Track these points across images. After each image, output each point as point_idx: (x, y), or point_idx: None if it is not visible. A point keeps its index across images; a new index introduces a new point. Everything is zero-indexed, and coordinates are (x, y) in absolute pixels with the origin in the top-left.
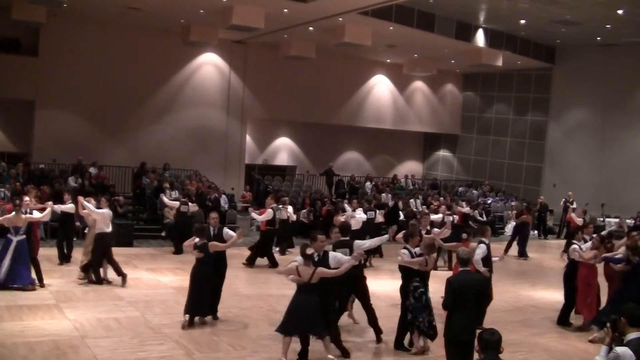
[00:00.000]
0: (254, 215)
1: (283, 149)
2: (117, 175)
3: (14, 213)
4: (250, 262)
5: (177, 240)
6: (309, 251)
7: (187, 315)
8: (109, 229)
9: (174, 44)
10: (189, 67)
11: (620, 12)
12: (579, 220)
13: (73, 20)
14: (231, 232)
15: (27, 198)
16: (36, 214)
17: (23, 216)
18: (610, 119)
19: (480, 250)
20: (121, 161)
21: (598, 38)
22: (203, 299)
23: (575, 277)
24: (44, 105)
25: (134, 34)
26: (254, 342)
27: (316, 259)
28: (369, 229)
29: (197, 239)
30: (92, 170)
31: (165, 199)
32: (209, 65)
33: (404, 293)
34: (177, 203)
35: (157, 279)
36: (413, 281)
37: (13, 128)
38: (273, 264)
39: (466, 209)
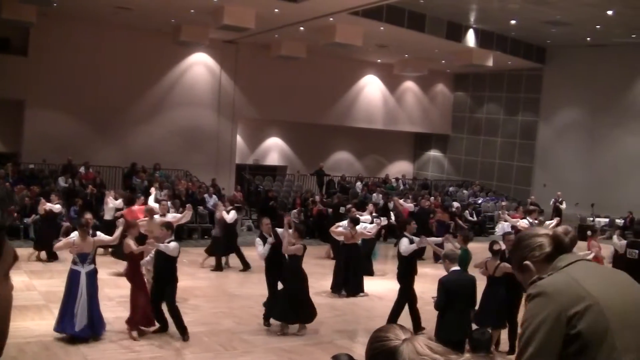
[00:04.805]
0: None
1: (274, 149)
2: (108, 175)
3: (76, 235)
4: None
5: None
6: (496, 247)
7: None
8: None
9: (165, 43)
10: (180, 67)
11: (609, 12)
12: (513, 221)
13: (63, 20)
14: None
15: (88, 215)
16: (100, 235)
17: (91, 239)
18: (600, 119)
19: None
20: (111, 161)
21: (588, 38)
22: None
23: None
24: (33, 105)
25: (125, 34)
26: (245, 343)
27: None
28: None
29: (268, 240)
30: (83, 170)
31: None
32: (200, 65)
33: None
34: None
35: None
36: None
37: (2, 128)
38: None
39: (410, 206)
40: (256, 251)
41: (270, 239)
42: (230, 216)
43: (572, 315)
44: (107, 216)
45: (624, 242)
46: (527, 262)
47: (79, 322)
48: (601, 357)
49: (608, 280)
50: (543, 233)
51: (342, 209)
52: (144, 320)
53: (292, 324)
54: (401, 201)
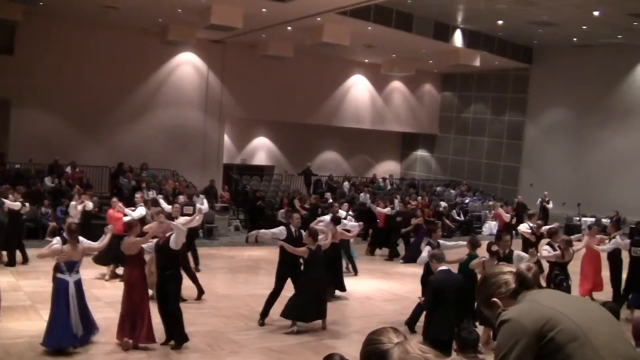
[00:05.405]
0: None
1: (261, 149)
2: (95, 175)
3: (58, 242)
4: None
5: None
6: (494, 248)
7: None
8: None
9: (152, 43)
10: (167, 66)
11: (596, 13)
12: (507, 217)
13: (50, 19)
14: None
15: (70, 219)
16: (85, 241)
17: (81, 247)
18: (587, 118)
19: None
20: (98, 161)
21: (574, 39)
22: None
23: None
24: (19, 105)
25: (112, 33)
26: (232, 343)
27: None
28: None
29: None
30: (70, 170)
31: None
32: (187, 64)
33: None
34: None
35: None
36: (554, 270)
37: None
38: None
39: (386, 210)
40: (273, 230)
41: (311, 249)
42: (167, 207)
43: (540, 327)
44: (75, 220)
45: (627, 241)
46: (494, 299)
47: (79, 332)
48: (580, 354)
49: (569, 299)
50: (507, 270)
51: (319, 210)
52: (148, 335)
53: (311, 321)
54: (378, 208)
